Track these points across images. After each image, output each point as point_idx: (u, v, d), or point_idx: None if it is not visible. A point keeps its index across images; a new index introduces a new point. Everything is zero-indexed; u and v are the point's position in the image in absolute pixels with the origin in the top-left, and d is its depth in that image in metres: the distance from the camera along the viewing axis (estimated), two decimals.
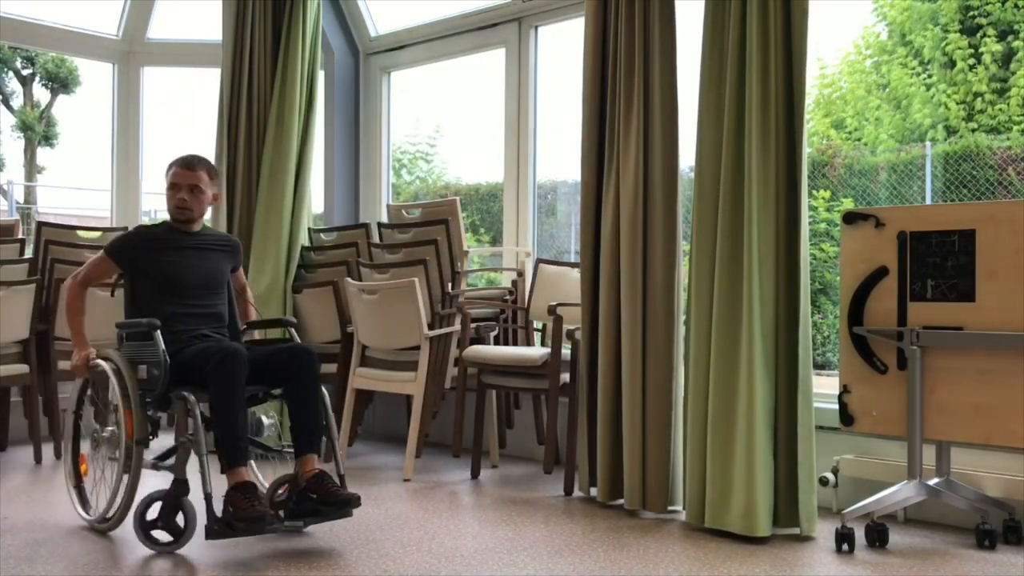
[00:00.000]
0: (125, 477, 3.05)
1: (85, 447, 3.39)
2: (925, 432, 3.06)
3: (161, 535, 2.97)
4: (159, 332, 3.04)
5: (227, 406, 2.92)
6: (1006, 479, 3.11)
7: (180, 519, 2.98)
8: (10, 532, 3.18)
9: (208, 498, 2.80)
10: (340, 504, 2.95)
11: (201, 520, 2.89)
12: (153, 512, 2.99)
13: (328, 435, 3.16)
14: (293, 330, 3.51)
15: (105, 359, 3.20)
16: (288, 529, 3.09)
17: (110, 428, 3.17)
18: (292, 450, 3.14)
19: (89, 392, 3.35)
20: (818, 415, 3.28)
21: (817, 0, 3.18)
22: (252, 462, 3.52)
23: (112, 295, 3.64)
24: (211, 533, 2.79)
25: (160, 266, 3.23)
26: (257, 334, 3.74)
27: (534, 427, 4.49)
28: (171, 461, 3.10)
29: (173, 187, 3.27)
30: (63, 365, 4.54)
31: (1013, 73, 8.88)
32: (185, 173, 3.27)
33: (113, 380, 3.11)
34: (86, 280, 3.32)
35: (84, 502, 3.35)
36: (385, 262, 4.49)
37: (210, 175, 3.32)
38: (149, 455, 3.15)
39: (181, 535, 2.96)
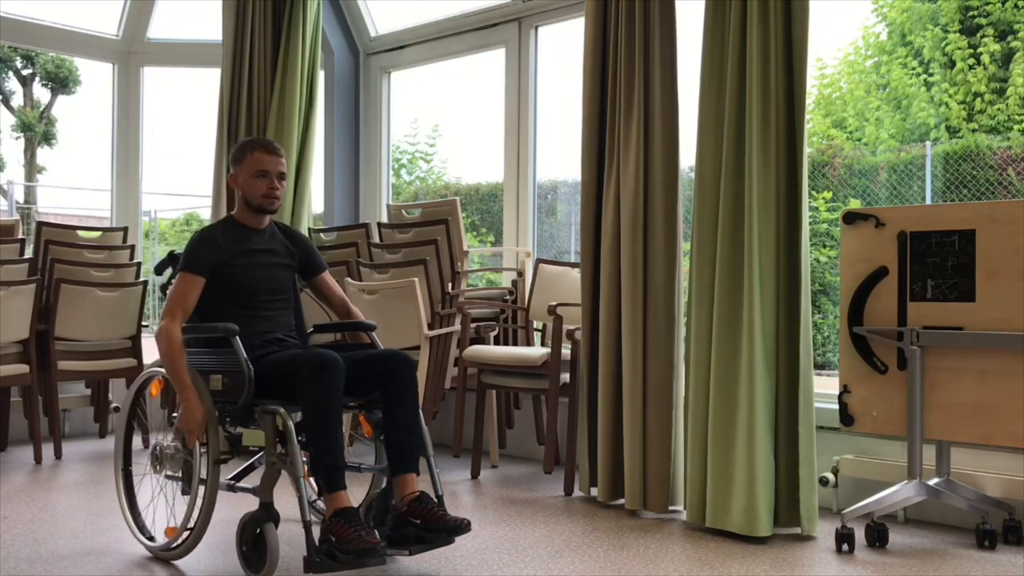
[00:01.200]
0: (198, 501, 2.79)
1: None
2: (925, 432, 3.06)
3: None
4: (238, 338, 2.75)
5: (325, 422, 2.60)
6: (1006, 479, 3.11)
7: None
8: (10, 532, 3.18)
9: (308, 527, 2.53)
10: (449, 531, 2.64)
11: (295, 551, 2.81)
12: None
13: (424, 453, 2.84)
14: (375, 335, 3.12)
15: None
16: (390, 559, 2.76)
17: (173, 444, 2.88)
18: (363, 463, 2.91)
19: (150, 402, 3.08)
20: (818, 415, 3.28)
21: (817, 0, 3.18)
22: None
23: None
24: (311, 566, 2.50)
25: (235, 271, 2.92)
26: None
27: (534, 427, 4.49)
28: (247, 482, 2.89)
29: (261, 174, 2.93)
30: (63, 365, 4.55)
31: (1016, 74, 8.88)
32: (273, 159, 2.95)
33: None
34: (183, 311, 2.86)
35: (142, 527, 3.05)
36: (385, 262, 4.49)
37: (286, 161, 3.08)
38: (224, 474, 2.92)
39: (259, 566, 2.67)
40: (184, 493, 2.88)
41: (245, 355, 2.72)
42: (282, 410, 2.67)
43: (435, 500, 2.74)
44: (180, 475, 2.89)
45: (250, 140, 3.03)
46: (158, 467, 2.92)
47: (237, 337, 2.74)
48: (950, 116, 9.09)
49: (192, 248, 2.93)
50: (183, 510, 2.85)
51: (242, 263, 2.93)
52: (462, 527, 2.64)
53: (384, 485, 2.87)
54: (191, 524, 2.81)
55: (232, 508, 3.40)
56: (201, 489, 2.81)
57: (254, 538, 2.68)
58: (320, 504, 3.01)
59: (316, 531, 2.56)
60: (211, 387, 2.81)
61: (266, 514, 2.68)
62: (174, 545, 2.85)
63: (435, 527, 2.64)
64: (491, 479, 4.08)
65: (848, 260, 3.21)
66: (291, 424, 2.65)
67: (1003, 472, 3.14)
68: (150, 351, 5.08)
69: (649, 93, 3.48)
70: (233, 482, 2.92)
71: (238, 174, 2.97)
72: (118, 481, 3.08)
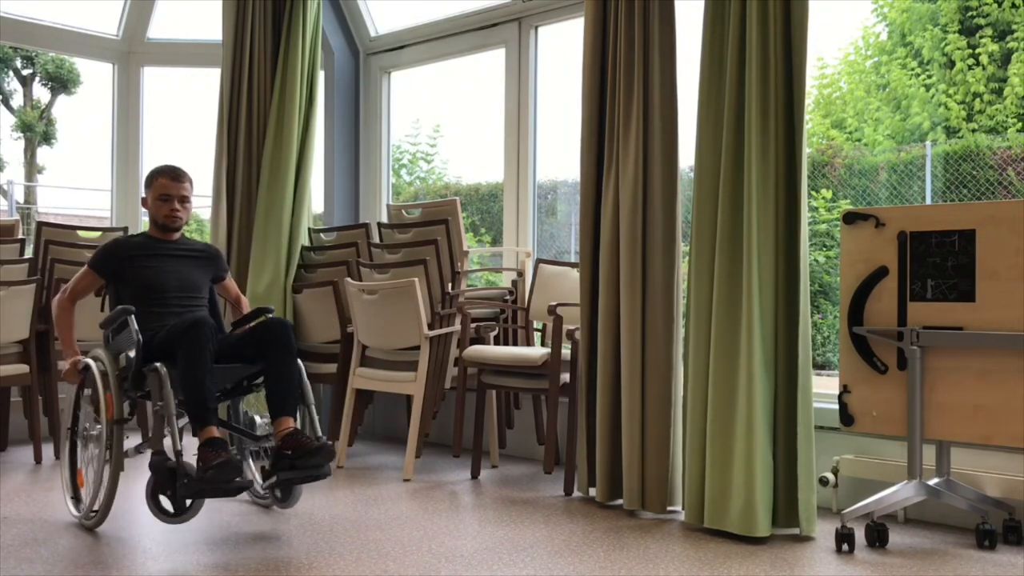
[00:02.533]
0: (108, 467, 3.12)
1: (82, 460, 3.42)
2: (925, 432, 3.06)
3: (167, 505, 3.09)
4: (133, 317, 3.17)
5: (192, 367, 2.99)
6: (1006, 479, 3.11)
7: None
8: (10, 532, 3.19)
9: (178, 455, 2.91)
10: (313, 452, 2.95)
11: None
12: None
13: (304, 402, 3.23)
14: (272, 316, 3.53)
15: (93, 359, 3.30)
16: (263, 499, 3.22)
17: (99, 426, 3.22)
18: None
19: (86, 393, 3.41)
20: (818, 415, 3.28)
21: (817, 0, 3.18)
22: (251, 461, 3.60)
23: (102, 309, 3.73)
24: (182, 489, 2.88)
25: (139, 271, 3.36)
26: None
27: (534, 427, 4.49)
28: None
29: (164, 198, 3.39)
30: (63, 365, 4.54)
31: (1015, 73, 8.88)
32: (175, 185, 3.40)
33: (94, 369, 3.21)
34: (73, 295, 3.43)
35: (78, 501, 3.41)
36: (385, 262, 4.49)
37: (192, 185, 3.49)
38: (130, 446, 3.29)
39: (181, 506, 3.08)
40: (107, 458, 3.18)
41: (137, 328, 3.15)
42: (158, 365, 3.07)
43: (308, 436, 3.05)
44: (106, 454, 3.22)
45: (159, 168, 3.44)
46: (86, 445, 3.34)
47: (132, 316, 3.17)
48: (949, 116, 9.09)
49: (100, 251, 3.43)
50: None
51: (153, 264, 3.38)
52: (325, 448, 2.95)
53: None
54: (97, 503, 3.16)
55: (212, 506, 3.40)
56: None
57: (166, 484, 2.97)
58: (265, 494, 3.53)
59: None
60: (121, 365, 3.21)
61: (159, 464, 2.98)
62: (94, 509, 3.18)
63: (303, 452, 2.95)
64: (491, 479, 4.08)
65: (848, 260, 3.21)
66: (165, 373, 3.06)
67: (1003, 472, 3.15)
68: None
69: (649, 93, 3.48)
70: (140, 446, 3.33)
71: (147, 197, 3.44)
72: (63, 446, 3.48)
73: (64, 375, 3.37)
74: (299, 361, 3.22)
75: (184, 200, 3.43)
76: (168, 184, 3.40)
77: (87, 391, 3.34)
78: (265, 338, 3.20)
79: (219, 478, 2.84)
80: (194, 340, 3.02)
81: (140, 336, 3.14)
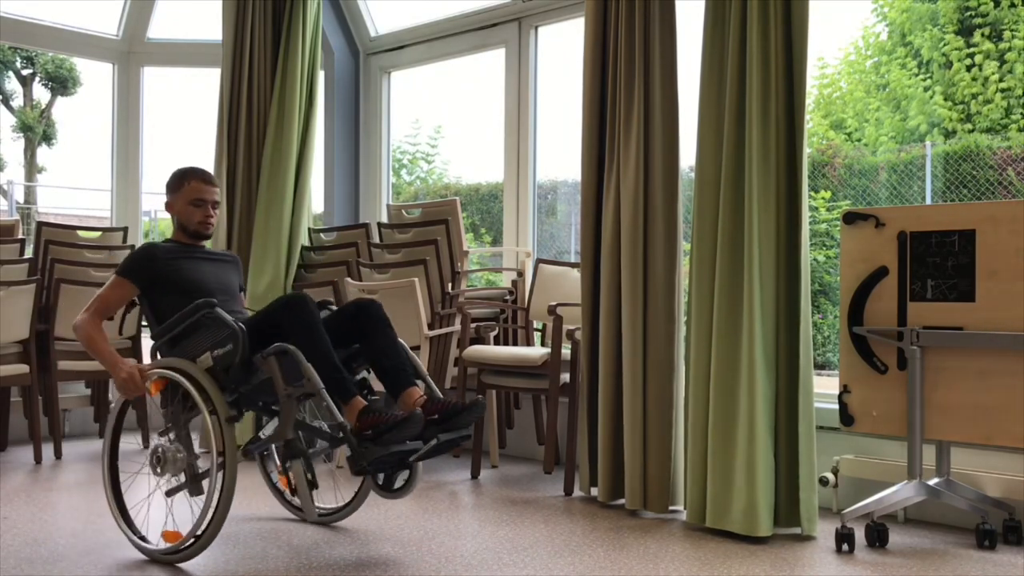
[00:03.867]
0: (220, 477, 2.74)
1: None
2: (925, 432, 3.06)
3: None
4: (217, 309, 2.88)
5: (313, 346, 2.74)
6: (1006, 479, 3.11)
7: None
8: (10, 532, 3.18)
9: (343, 428, 2.65)
10: (466, 409, 2.72)
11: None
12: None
13: (419, 374, 2.95)
14: None
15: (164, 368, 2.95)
16: (427, 455, 2.77)
17: (173, 446, 2.91)
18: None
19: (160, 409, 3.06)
20: (818, 415, 3.28)
21: (817, 0, 3.18)
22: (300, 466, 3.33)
23: (120, 333, 3.33)
24: (360, 457, 2.61)
25: (181, 274, 3.09)
26: None
27: (534, 427, 4.49)
28: (268, 432, 3.01)
29: (197, 203, 3.16)
30: (63, 365, 4.55)
31: (1010, 72, 8.88)
32: (209, 189, 3.18)
33: (178, 377, 2.87)
34: (103, 309, 3.09)
35: (132, 527, 3.01)
36: (385, 262, 4.49)
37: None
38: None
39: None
40: (192, 495, 2.92)
41: (231, 317, 2.84)
42: (285, 344, 2.74)
43: (446, 398, 2.84)
44: (183, 480, 2.92)
45: (187, 169, 3.21)
46: (158, 469, 2.93)
47: (217, 308, 2.88)
48: (949, 117, 9.09)
49: (131, 257, 3.13)
50: (180, 512, 2.85)
51: (189, 266, 3.13)
52: (478, 403, 2.75)
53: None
54: (207, 520, 2.77)
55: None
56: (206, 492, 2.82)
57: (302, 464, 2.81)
58: (291, 497, 3.40)
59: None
60: (206, 364, 2.88)
61: (291, 451, 2.78)
62: (199, 533, 2.78)
63: (452, 412, 2.72)
64: (491, 479, 4.08)
65: (848, 260, 3.21)
66: (293, 347, 2.73)
67: (1003, 472, 3.15)
68: (150, 351, 5.09)
69: (649, 93, 3.48)
70: (251, 447, 2.99)
71: (175, 201, 3.19)
72: (105, 479, 3.09)
73: (122, 386, 2.95)
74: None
75: (216, 205, 3.21)
76: (202, 188, 3.16)
77: (160, 408, 3.02)
78: (362, 317, 2.97)
79: (400, 437, 2.59)
80: (303, 317, 2.77)
81: (240, 325, 2.83)
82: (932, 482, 3.05)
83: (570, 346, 3.83)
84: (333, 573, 2.74)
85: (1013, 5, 8.80)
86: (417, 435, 2.68)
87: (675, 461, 3.44)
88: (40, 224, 5.01)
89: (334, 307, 3.15)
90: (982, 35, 9.03)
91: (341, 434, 2.67)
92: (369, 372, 3.09)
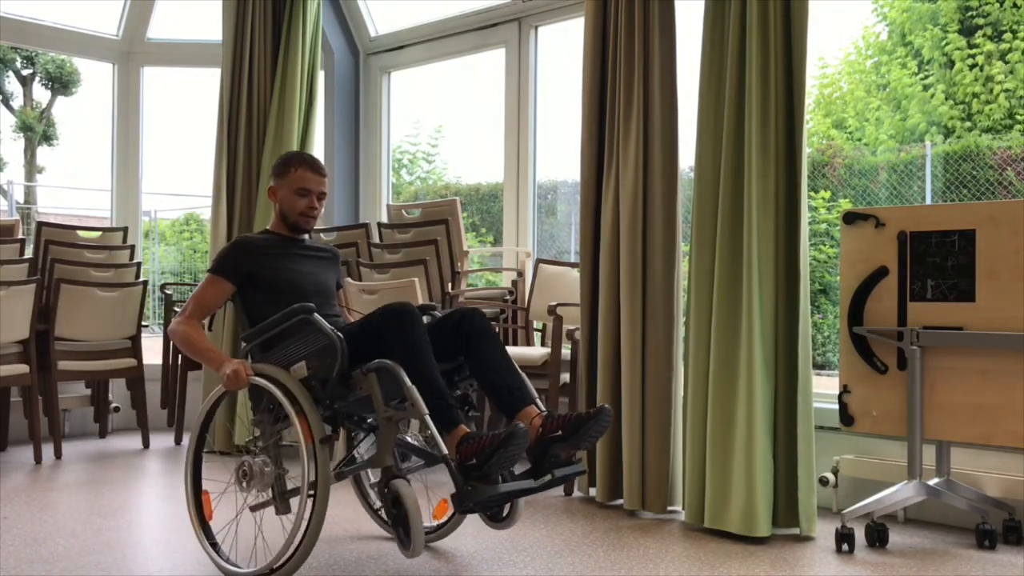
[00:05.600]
0: (309, 502, 2.51)
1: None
2: (925, 432, 3.06)
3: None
4: (316, 315, 2.63)
5: (417, 366, 2.49)
6: (1006, 479, 3.11)
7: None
8: (10, 532, 3.19)
9: (446, 460, 2.37)
10: (593, 417, 2.44)
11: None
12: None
13: (531, 394, 2.67)
14: None
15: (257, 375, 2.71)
16: (521, 488, 2.47)
17: (259, 459, 2.68)
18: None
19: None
20: (818, 415, 3.28)
21: (817, 0, 3.18)
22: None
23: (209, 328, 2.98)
24: (464, 496, 2.34)
25: (277, 274, 2.87)
26: None
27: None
28: (362, 451, 2.79)
29: (303, 192, 2.91)
30: (63, 365, 4.55)
31: (1011, 72, 8.88)
32: (317, 179, 2.93)
33: (272, 388, 2.62)
34: (200, 311, 2.87)
35: (218, 550, 2.78)
36: (385, 262, 4.49)
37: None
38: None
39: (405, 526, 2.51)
40: (279, 513, 2.73)
41: (330, 327, 2.60)
42: (387, 362, 2.49)
43: (565, 412, 2.59)
44: (269, 496, 2.72)
45: (295, 155, 3.00)
46: (245, 485, 2.70)
47: (315, 314, 2.63)
48: (949, 116, 9.09)
49: (225, 252, 2.90)
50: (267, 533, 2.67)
51: (287, 266, 2.90)
52: (603, 411, 2.46)
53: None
54: (290, 551, 2.54)
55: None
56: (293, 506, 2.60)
57: (393, 509, 2.48)
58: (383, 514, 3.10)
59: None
60: (297, 377, 2.65)
61: (392, 474, 2.50)
62: (278, 566, 2.55)
63: (577, 423, 2.45)
64: None
65: (848, 260, 3.21)
66: (398, 367, 2.48)
67: (1003, 472, 3.14)
68: (150, 351, 5.10)
69: (649, 93, 3.48)
70: (345, 471, 2.75)
71: (278, 188, 2.95)
72: (189, 502, 2.84)
73: (228, 382, 2.67)
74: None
75: (322, 197, 2.95)
76: (309, 177, 2.91)
77: (251, 415, 2.82)
78: (466, 326, 2.69)
79: (505, 459, 2.32)
80: (408, 333, 2.54)
81: (339, 335, 2.58)
82: (932, 482, 3.05)
83: (570, 346, 3.83)
84: (333, 572, 2.74)
85: (1016, 6, 8.80)
86: (528, 462, 2.46)
87: (674, 461, 3.44)
88: (40, 224, 5.02)
89: (437, 313, 2.88)
90: (984, 35, 9.03)
91: (442, 463, 2.42)
92: (472, 387, 2.81)
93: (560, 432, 2.46)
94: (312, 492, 2.50)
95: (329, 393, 2.61)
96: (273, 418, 2.72)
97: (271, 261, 2.88)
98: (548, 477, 2.48)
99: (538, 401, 2.64)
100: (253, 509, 2.75)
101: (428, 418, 2.42)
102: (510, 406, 2.60)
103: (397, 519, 2.48)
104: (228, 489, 2.75)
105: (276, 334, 2.73)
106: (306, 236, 3.02)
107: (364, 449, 2.92)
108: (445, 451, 2.39)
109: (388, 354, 2.53)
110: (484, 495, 2.34)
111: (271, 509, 2.75)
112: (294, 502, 2.61)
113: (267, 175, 4.81)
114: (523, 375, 2.69)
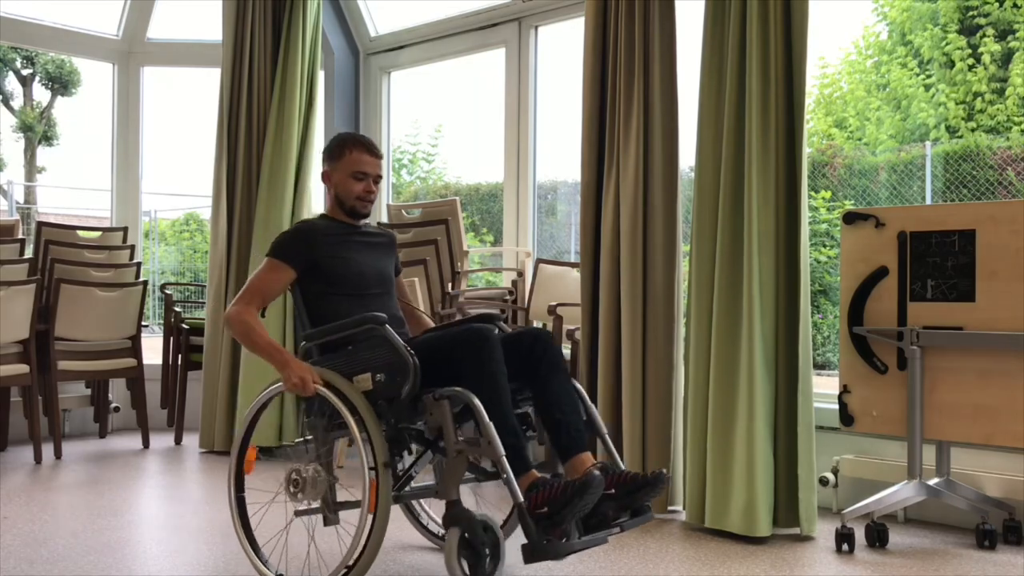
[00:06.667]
0: (369, 518, 2.38)
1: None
2: (925, 432, 3.06)
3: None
4: (388, 326, 2.47)
5: (494, 396, 2.36)
6: (1006, 479, 3.11)
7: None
8: (10, 532, 3.18)
9: (520, 509, 2.24)
10: (652, 484, 2.31)
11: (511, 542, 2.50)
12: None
13: (597, 431, 2.56)
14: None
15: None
16: (595, 543, 2.37)
17: (311, 467, 2.53)
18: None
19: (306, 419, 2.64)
20: (818, 415, 3.28)
21: (817, 0, 3.18)
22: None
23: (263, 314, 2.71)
24: (536, 548, 2.22)
25: (339, 263, 2.71)
26: None
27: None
28: (423, 483, 2.63)
29: (359, 176, 2.77)
30: (63, 365, 4.55)
31: (1014, 74, 8.88)
32: (373, 161, 2.79)
33: (336, 400, 2.46)
34: (260, 299, 2.66)
35: (265, 561, 2.65)
36: None
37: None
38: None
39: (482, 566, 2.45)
40: (327, 523, 2.61)
41: (402, 342, 2.45)
42: (465, 392, 2.34)
43: (622, 468, 2.45)
44: (319, 505, 2.59)
45: (349, 137, 2.85)
46: (298, 495, 2.55)
47: (387, 326, 2.47)
48: (949, 116, 9.09)
49: (286, 237, 2.74)
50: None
51: (347, 254, 2.74)
52: (661, 477, 2.31)
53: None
54: (356, 555, 2.40)
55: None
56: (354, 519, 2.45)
57: (465, 545, 2.39)
58: (435, 527, 2.99)
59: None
60: (360, 389, 2.49)
61: (459, 514, 2.40)
62: (350, 563, 2.41)
63: (632, 487, 2.31)
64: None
65: (848, 260, 3.21)
66: (477, 401, 2.33)
67: (1003, 472, 3.14)
68: (150, 351, 5.10)
69: (649, 93, 3.48)
70: (403, 495, 2.60)
71: (332, 171, 2.80)
72: (233, 511, 2.69)
73: (288, 382, 2.52)
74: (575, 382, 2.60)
75: (379, 180, 2.81)
76: (366, 160, 2.77)
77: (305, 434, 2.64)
78: (538, 351, 2.53)
79: (579, 507, 2.21)
80: (491, 359, 2.39)
81: (413, 356, 2.42)
82: (932, 482, 3.05)
83: (570, 346, 3.83)
84: (327, 566, 2.74)
85: (1016, 6, 8.80)
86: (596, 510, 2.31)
87: (674, 461, 3.44)
88: (40, 224, 5.02)
89: (506, 327, 2.74)
90: (984, 35, 9.03)
91: (515, 512, 2.30)
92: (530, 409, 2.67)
93: (613, 491, 2.34)
94: (372, 513, 2.37)
95: (394, 411, 2.46)
96: (328, 424, 2.58)
97: (333, 249, 2.72)
98: (617, 530, 2.37)
99: (608, 444, 2.57)
100: (298, 514, 2.64)
101: (505, 460, 2.28)
102: (567, 449, 2.45)
103: (476, 556, 2.43)
104: (275, 499, 2.66)
105: (340, 339, 2.59)
106: (364, 221, 2.87)
107: (421, 466, 2.75)
108: (521, 499, 2.25)
109: (459, 377, 2.39)
110: (560, 552, 2.25)
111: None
112: (343, 513, 2.54)
113: (267, 175, 4.82)
114: (591, 413, 2.58)
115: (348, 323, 2.54)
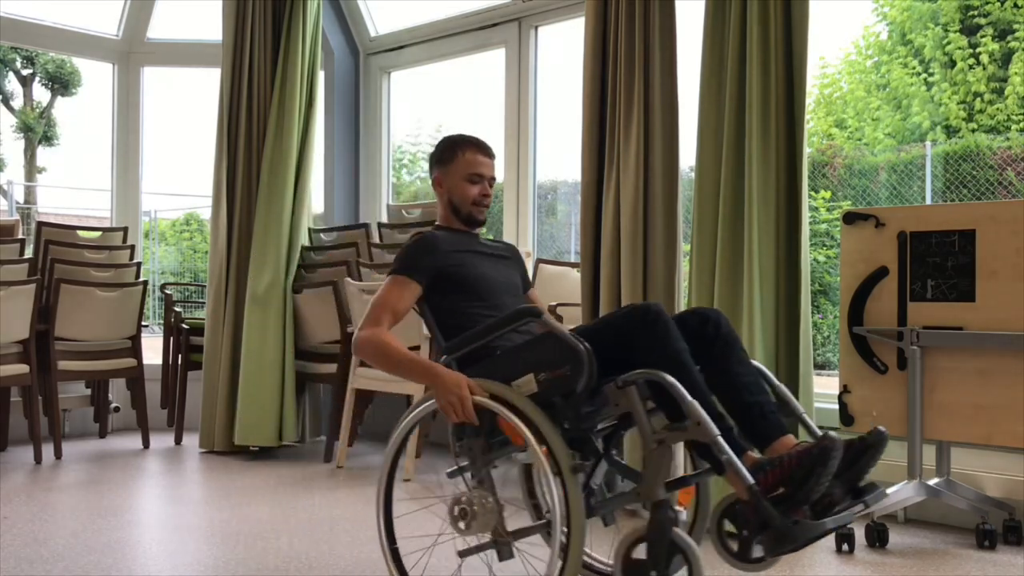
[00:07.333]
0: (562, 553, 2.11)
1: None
2: (925, 432, 3.06)
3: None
4: (547, 316, 2.20)
5: (687, 375, 2.08)
6: (1006, 479, 3.11)
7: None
8: (10, 532, 3.18)
9: (753, 492, 1.94)
10: (873, 445, 2.03)
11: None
12: (639, 552, 2.15)
13: (793, 412, 2.29)
14: None
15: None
16: (845, 521, 2.07)
17: (476, 494, 2.26)
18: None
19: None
20: (818, 415, 3.28)
21: (817, 0, 3.18)
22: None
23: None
24: (785, 546, 1.95)
25: (465, 270, 2.50)
26: None
27: None
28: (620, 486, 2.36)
29: (475, 179, 2.56)
30: (63, 365, 4.55)
31: (1013, 73, 8.88)
32: (488, 161, 2.58)
33: (506, 412, 2.16)
34: (391, 317, 2.43)
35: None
36: (385, 262, 4.49)
37: None
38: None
39: None
40: (502, 558, 2.32)
41: (568, 330, 2.17)
42: (658, 372, 2.05)
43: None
44: (487, 540, 2.32)
45: (459, 137, 2.62)
46: (464, 526, 2.24)
47: (544, 316, 2.19)
48: (949, 116, 9.09)
49: (409, 252, 2.52)
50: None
51: (473, 262, 2.54)
52: (883, 435, 2.03)
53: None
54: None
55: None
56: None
57: (667, 553, 2.10)
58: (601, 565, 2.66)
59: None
60: (524, 393, 2.19)
61: (665, 516, 2.10)
62: None
63: (860, 450, 2.03)
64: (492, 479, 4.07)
65: (848, 260, 3.21)
66: (673, 380, 2.03)
67: (1003, 472, 3.14)
68: (150, 351, 5.10)
69: (649, 93, 3.48)
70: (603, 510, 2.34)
71: (445, 176, 2.59)
72: (389, 565, 2.43)
73: (443, 401, 2.22)
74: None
75: (493, 183, 2.60)
76: (481, 161, 2.56)
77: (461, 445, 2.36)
78: (710, 331, 2.25)
79: (823, 477, 1.92)
80: (666, 334, 2.12)
81: (584, 343, 2.10)
82: (932, 482, 3.05)
83: None
84: (333, 573, 2.74)
85: (1017, 6, 8.79)
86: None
87: (675, 461, 3.43)
88: (40, 224, 5.01)
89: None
90: (984, 35, 9.03)
91: (748, 502, 1.97)
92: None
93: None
94: (565, 529, 2.07)
95: (571, 409, 2.16)
96: (487, 443, 2.29)
97: (458, 259, 2.51)
98: (861, 506, 2.07)
99: (807, 420, 2.31)
100: (464, 555, 2.36)
101: (720, 440, 1.98)
102: (765, 435, 2.15)
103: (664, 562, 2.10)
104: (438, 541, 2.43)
105: (483, 344, 2.32)
106: (481, 230, 2.67)
107: (600, 478, 2.45)
108: (751, 480, 1.95)
109: (632, 365, 2.11)
110: (814, 533, 1.95)
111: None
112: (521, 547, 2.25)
113: (267, 175, 4.82)
114: (781, 392, 2.33)
115: (500, 321, 2.28)
